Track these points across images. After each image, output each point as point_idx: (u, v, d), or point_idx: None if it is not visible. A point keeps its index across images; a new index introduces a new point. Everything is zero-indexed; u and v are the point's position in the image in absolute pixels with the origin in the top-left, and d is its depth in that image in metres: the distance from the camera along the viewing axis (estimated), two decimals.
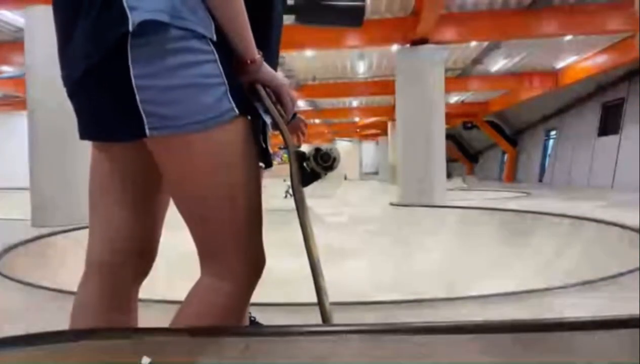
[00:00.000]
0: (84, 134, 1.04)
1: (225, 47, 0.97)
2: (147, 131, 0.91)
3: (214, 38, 0.95)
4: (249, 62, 1.01)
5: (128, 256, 1.09)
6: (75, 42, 0.94)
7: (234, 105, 0.96)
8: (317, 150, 1.05)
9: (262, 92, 1.05)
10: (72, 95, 1.01)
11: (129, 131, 0.94)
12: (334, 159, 1.05)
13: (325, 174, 1.06)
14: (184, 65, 0.91)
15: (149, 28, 0.87)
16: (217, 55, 0.94)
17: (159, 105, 0.91)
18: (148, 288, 1.20)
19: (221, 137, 0.96)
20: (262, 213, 1.06)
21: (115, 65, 0.89)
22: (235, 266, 1.01)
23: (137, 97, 0.89)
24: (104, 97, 0.94)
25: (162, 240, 1.16)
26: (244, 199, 1.01)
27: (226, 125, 0.96)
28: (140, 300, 1.16)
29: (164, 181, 1.05)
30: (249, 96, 1.06)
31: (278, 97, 1.08)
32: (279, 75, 1.10)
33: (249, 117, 1.02)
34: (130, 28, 0.86)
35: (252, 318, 1.81)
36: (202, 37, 0.93)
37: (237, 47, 0.99)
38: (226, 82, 0.95)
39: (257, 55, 1.02)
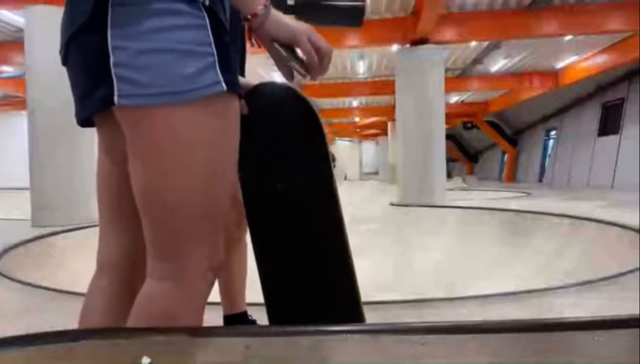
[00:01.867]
0: (76, 118, 0.97)
1: (221, 15, 0.88)
2: (115, 98, 0.83)
3: (207, 2, 0.85)
4: (249, 17, 0.92)
5: (135, 257, 1.04)
6: (70, 8, 0.90)
7: (221, 79, 0.85)
8: None
9: (280, 51, 0.94)
10: (68, 73, 0.95)
11: (98, 99, 0.85)
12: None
13: None
14: (166, 28, 0.82)
15: None
16: (208, 22, 0.85)
17: (132, 70, 0.82)
18: None
19: (200, 113, 0.85)
20: (231, 208, 0.96)
21: (95, 26, 0.83)
22: (192, 267, 0.90)
23: (111, 60, 0.82)
24: (82, 64, 0.89)
25: None
26: (214, 189, 0.90)
27: (209, 100, 0.85)
28: None
29: (129, 163, 0.90)
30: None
31: (303, 50, 0.96)
32: (297, 23, 0.98)
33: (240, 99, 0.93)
34: None
35: (249, 317, 1.81)
36: (191, 0, 0.84)
37: (238, 5, 0.92)
38: (216, 52, 0.85)
39: (257, 8, 0.92)
